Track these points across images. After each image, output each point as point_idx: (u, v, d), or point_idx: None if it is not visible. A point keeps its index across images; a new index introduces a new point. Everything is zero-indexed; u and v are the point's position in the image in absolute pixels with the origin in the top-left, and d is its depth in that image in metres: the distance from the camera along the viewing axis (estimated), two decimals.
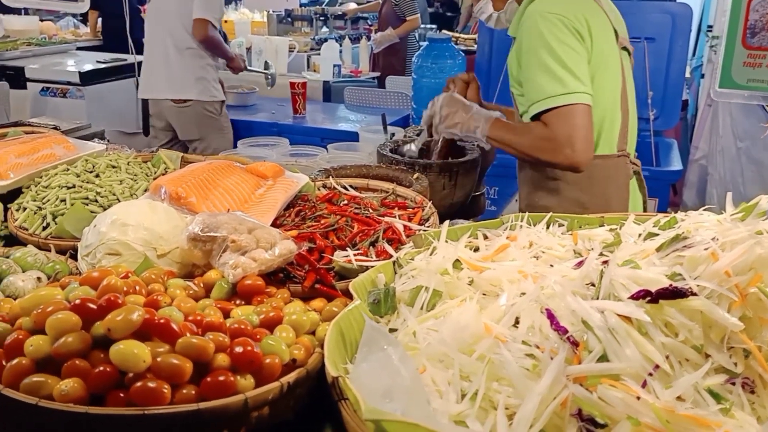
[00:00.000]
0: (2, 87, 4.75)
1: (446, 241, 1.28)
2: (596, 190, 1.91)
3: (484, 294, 1.13)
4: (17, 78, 5.00)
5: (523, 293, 1.06)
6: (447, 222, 1.31)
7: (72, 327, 0.90)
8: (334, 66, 5.59)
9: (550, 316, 0.95)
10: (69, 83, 5.00)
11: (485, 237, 1.31)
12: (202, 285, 1.23)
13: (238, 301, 1.19)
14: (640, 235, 1.13)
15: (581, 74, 1.72)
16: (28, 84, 5.08)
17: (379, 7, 6.82)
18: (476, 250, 1.28)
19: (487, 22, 2.15)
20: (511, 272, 1.13)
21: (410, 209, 1.56)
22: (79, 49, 6.24)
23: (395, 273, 1.27)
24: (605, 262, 1.01)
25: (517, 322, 1.00)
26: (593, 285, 0.99)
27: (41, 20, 7.24)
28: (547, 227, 1.34)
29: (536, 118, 1.76)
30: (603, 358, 0.85)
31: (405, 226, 1.43)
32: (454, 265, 1.18)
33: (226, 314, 1.13)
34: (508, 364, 0.89)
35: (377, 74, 6.23)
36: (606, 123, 1.89)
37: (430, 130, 2.00)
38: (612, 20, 1.89)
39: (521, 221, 1.34)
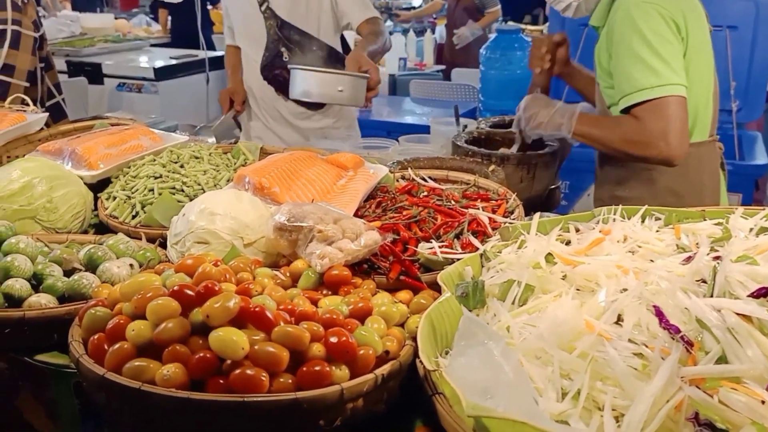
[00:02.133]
0: (81, 82, 4.95)
1: (536, 234, 1.24)
2: (692, 177, 1.84)
3: (578, 289, 1.09)
4: (95, 74, 5.20)
5: (624, 289, 1.01)
6: (538, 214, 1.27)
7: (172, 313, 0.91)
8: (400, 59, 5.58)
9: (659, 314, 0.90)
10: (144, 78, 5.16)
11: (577, 230, 1.26)
12: (288, 274, 1.23)
13: (325, 291, 1.19)
14: (751, 229, 1.06)
15: (676, 65, 1.65)
16: (105, 79, 5.28)
17: (435, 8, 6.76)
18: (568, 243, 1.23)
19: (564, 12, 2.08)
20: (609, 267, 1.08)
21: (493, 201, 1.52)
22: (152, 45, 6.45)
23: (482, 266, 1.24)
24: (717, 258, 0.96)
25: (619, 319, 0.96)
26: (704, 282, 0.94)
27: (116, 18, 7.51)
28: (642, 221, 1.28)
29: (627, 111, 1.70)
30: (722, 360, 0.80)
31: (490, 218, 1.39)
32: (546, 258, 1.14)
33: (315, 304, 1.12)
34: (615, 362, 0.85)
35: (442, 67, 6.19)
36: (700, 111, 1.82)
37: (522, 135, 2.00)
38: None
39: (614, 214, 1.28)
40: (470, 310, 1.12)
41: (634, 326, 0.92)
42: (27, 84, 2.45)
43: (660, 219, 1.29)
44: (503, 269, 1.18)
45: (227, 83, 3.00)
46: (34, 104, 2.35)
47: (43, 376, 1.13)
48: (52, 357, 1.11)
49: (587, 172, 2.88)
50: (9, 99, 2.21)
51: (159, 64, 5.34)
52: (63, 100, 2.76)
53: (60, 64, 4.89)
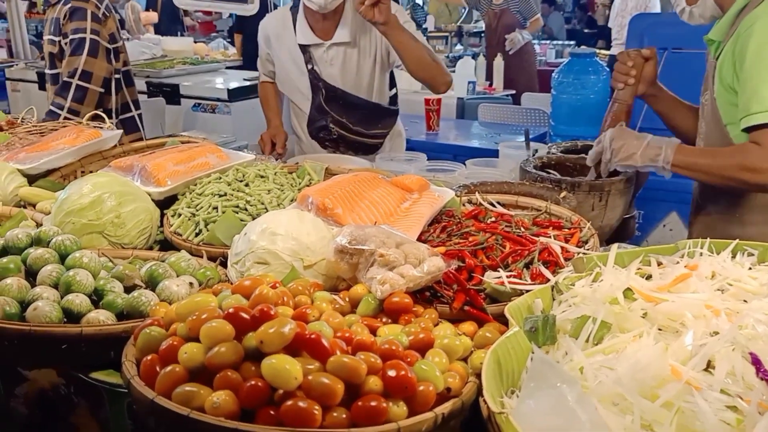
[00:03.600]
0: (159, 102, 5.14)
1: (614, 267, 1.15)
2: None
3: (660, 329, 0.99)
4: (172, 94, 5.38)
5: (715, 332, 0.91)
6: (615, 245, 1.18)
7: (225, 336, 0.88)
8: (469, 83, 5.51)
9: (756, 362, 0.80)
10: (218, 99, 5.30)
11: (659, 264, 1.17)
12: (347, 299, 1.18)
13: (384, 319, 1.13)
14: None
15: None
16: (182, 100, 5.45)
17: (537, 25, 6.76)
18: (648, 278, 1.14)
19: (681, 15, 1.99)
20: (697, 306, 0.98)
21: (566, 230, 1.44)
22: (227, 68, 6.63)
23: (553, 299, 1.16)
24: None
25: (708, 366, 0.86)
26: None
27: (195, 41, 7.80)
28: (733, 256, 1.17)
29: (748, 131, 1.58)
30: None
31: (562, 248, 1.31)
32: (624, 294, 1.05)
33: (373, 332, 1.07)
34: (705, 415, 0.76)
35: (512, 92, 6.09)
36: None
37: (597, 168, 1.87)
38: None
39: (701, 248, 1.18)
40: (539, 347, 1.04)
41: (727, 375, 0.83)
42: (102, 90, 2.58)
43: (753, 255, 1.17)
44: (577, 304, 1.10)
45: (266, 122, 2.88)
46: (108, 114, 2.45)
47: (99, 395, 1.13)
48: (108, 375, 1.10)
49: (663, 201, 2.71)
50: (87, 116, 2.28)
51: (233, 85, 5.47)
52: (139, 115, 2.86)
53: (140, 84, 5.09)
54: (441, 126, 4.59)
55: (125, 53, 2.80)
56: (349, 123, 2.60)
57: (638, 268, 1.16)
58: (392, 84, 2.78)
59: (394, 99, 2.78)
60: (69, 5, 2.56)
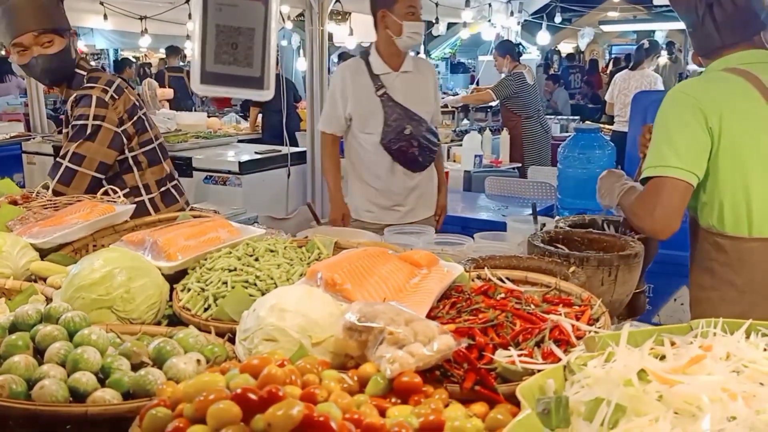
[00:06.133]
0: None
1: (626, 346, 1.14)
2: (755, 273, 1.94)
3: (676, 413, 0.97)
4: (185, 167, 5.48)
5: (733, 417, 0.89)
6: (627, 324, 1.17)
7: (233, 419, 0.86)
8: (476, 156, 5.61)
9: None
10: (229, 172, 5.40)
11: (672, 344, 1.15)
12: (356, 378, 1.17)
13: (393, 399, 1.11)
14: None
15: (684, 151, 1.84)
16: (194, 173, 5.55)
17: (483, 98, 6.96)
18: (662, 358, 1.12)
19: None
20: (712, 389, 0.96)
21: (576, 306, 1.43)
22: (240, 141, 6.79)
23: (565, 379, 1.13)
24: None
25: None
26: None
27: (208, 116, 8.02)
28: (747, 336, 1.15)
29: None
30: None
31: (573, 326, 1.30)
32: (638, 375, 1.03)
33: (382, 413, 1.05)
34: None
35: (518, 165, 6.19)
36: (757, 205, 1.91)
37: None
38: None
39: (714, 327, 1.17)
40: (552, 430, 1.02)
41: None
42: (96, 174, 2.50)
43: (767, 335, 1.15)
44: (590, 385, 1.07)
45: (329, 191, 3.47)
46: (137, 192, 2.47)
47: None
48: None
49: (674, 275, 2.71)
50: (101, 191, 2.32)
51: (244, 158, 5.59)
52: (174, 186, 2.79)
53: None
54: (449, 198, 4.63)
55: (155, 127, 2.76)
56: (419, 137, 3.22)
57: (652, 348, 1.14)
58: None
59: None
60: (75, 93, 2.56)
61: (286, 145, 5.67)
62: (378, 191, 3.30)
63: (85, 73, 2.59)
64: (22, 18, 2.45)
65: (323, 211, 4.65)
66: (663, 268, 2.66)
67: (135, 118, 2.61)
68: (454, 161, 5.94)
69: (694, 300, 2.17)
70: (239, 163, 5.41)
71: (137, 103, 2.64)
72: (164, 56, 11.41)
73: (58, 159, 2.50)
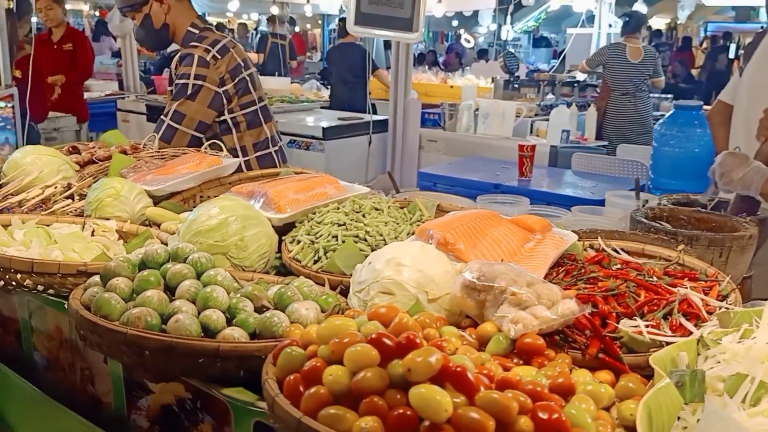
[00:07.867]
0: None
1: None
2: None
3: None
4: None
5: None
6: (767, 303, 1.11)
7: (371, 362, 0.87)
8: (563, 131, 5.44)
9: None
10: (313, 137, 5.46)
11: None
12: (475, 337, 1.15)
13: (515, 360, 1.09)
14: None
15: None
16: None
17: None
18: None
19: None
20: None
21: (702, 282, 1.36)
22: (322, 108, 6.85)
23: (698, 354, 1.08)
24: None
25: None
26: None
27: (291, 82, 8.12)
28: None
29: None
30: None
31: (703, 301, 1.23)
32: None
33: (506, 372, 1.03)
34: None
35: (604, 143, 5.97)
36: None
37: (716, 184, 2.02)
38: None
39: None
40: (686, 403, 0.97)
41: None
42: (195, 133, 2.53)
43: None
44: (727, 360, 1.02)
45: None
46: (234, 153, 2.48)
47: (225, 412, 1.13)
48: (238, 393, 1.11)
49: None
50: (206, 144, 2.37)
51: (327, 124, 5.63)
52: (277, 151, 2.82)
53: None
54: (534, 173, 4.53)
55: (260, 89, 2.78)
56: None
57: None
58: None
59: None
60: (180, 52, 2.63)
61: (369, 113, 5.68)
62: None
63: (197, 32, 2.64)
64: None
65: (402, 180, 4.62)
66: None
67: (238, 78, 2.61)
68: (537, 135, 5.78)
69: None
70: (323, 128, 5.46)
71: (242, 64, 2.64)
72: (245, 21, 11.80)
73: (162, 116, 2.56)
